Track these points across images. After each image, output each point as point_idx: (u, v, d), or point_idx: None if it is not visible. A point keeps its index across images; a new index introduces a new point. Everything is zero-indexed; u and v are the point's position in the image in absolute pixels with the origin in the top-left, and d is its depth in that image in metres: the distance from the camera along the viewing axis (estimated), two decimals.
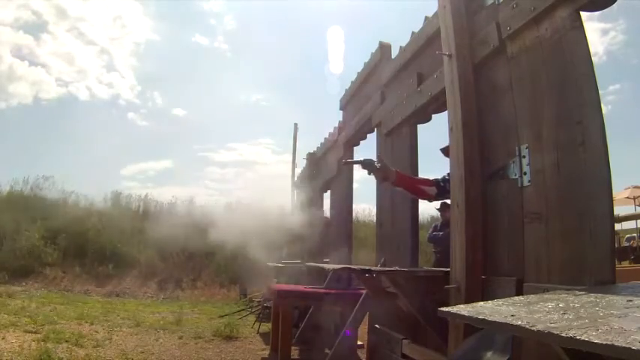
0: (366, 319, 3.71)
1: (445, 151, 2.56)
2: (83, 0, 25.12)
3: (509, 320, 0.97)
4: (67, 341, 4.71)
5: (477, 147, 2.21)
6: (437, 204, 5.30)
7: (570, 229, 1.63)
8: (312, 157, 6.62)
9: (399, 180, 2.65)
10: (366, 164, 2.63)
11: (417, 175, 2.98)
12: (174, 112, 28.52)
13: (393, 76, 3.53)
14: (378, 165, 2.61)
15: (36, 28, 26.26)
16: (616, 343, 0.68)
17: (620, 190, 10.28)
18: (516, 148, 1.95)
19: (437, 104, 2.79)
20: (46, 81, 25.89)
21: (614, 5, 1.67)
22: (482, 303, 1.30)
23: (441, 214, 5.92)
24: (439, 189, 2.67)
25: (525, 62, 1.96)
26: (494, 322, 1.00)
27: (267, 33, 30.28)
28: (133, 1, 26.77)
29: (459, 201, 2.19)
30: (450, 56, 2.35)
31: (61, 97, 23.88)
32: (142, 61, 27.53)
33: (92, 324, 6.01)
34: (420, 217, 4.03)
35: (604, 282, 1.45)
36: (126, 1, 26.68)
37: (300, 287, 4.68)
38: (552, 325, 0.87)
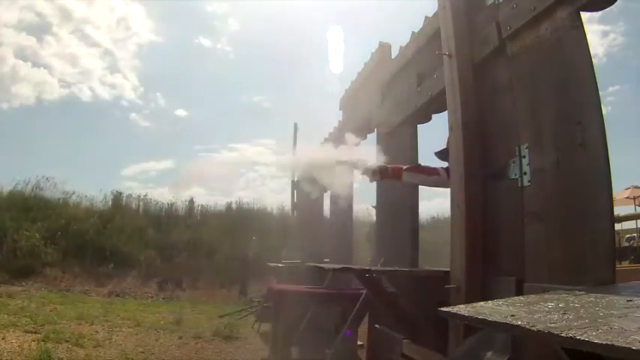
0: (366, 319, 3.71)
1: (440, 154, 2.56)
2: (88, 2, 25.12)
3: (509, 320, 0.96)
4: (67, 341, 4.71)
5: (477, 147, 2.21)
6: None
7: (570, 229, 1.63)
8: None
9: (396, 171, 2.65)
10: (358, 165, 2.63)
11: None
12: (177, 112, 28.47)
13: (393, 76, 3.53)
14: (376, 167, 2.61)
15: (39, 29, 26.23)
16: (616, 343, 0.68)
17: (620, 190, 10.25)
18: (516, 148, 1.95)
19: (437, 104, 2.80)
20: (49, 82, 25.74)
21: (613, 7, 1.68)
22: (482, 303, 1.30)
23: None
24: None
25: (525, 62, 1.95)
26: (494, 322, 1.00)
27: (269, 34, 30.28)
28: (136, 4, 26.67)
29: (459, 201, 2.19)
30: (450, 56, 2.35)
31: (63, 98, 23.81)
32: (145, 63, 27.42)
33: (92, 324, 6.01)
34: (420, 216, 4.03)
35: (604, 282, 1.45)
36: (130, 4, 26.65)
37: (300, 287, 4.68)
38: (552, 325, 0.87)
